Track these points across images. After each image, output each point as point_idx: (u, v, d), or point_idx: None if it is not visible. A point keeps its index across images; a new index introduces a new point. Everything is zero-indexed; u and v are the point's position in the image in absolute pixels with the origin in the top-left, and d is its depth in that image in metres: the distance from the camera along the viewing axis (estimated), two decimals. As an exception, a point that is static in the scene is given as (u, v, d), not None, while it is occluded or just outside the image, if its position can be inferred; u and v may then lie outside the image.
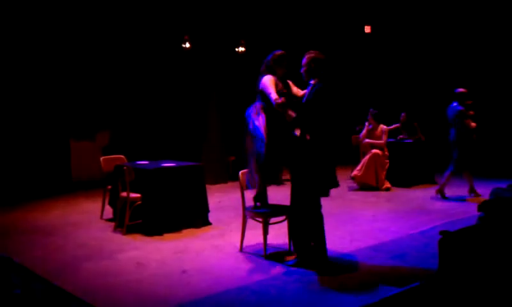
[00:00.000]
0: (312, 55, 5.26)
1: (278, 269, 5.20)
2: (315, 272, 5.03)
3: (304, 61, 5.29)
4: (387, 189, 9.78)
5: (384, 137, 10.07)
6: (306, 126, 5.10)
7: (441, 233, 3.92)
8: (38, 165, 10.13)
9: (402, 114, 10.93)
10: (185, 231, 6.80)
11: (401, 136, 10.85)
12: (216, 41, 11.05)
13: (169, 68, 11.81)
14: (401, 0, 12.52)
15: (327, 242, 5.29)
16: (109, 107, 11.18)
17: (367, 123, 10.30)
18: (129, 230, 6.71)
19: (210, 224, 7.17)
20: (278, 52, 5.45)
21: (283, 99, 5.02)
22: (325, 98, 5.12)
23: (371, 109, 10.30)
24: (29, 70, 10.01)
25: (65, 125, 10.60)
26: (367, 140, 10.15)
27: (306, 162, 5.11)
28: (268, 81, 5.27)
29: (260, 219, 5.66)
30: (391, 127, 10.75)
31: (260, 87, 5.33)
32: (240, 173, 5.80)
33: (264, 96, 5.28)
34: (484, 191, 8.36)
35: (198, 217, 7.10)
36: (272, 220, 5.77)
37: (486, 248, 3.84)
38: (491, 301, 3.57)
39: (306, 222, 5.19)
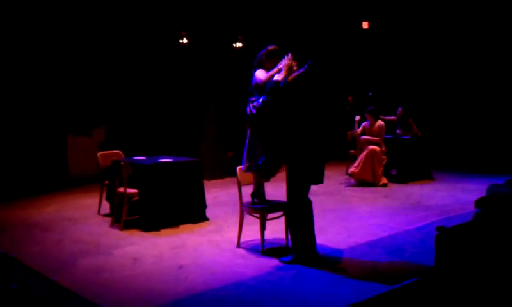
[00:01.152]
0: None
1: (275, 265, 5.21)
2: (312, 268, 5.04)
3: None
4: (384, 185, 9.77)
5: (382, 133, 10.05)
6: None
7: (438, 229, 3.93)
8: (35, 160, 10.10)
9: (399, 109, 10.90)
10: (182, 227, 6.80)
11: (398, 132, 10.83)
12: (214, 37, 11.03)
13: (167, 63, 11.78)
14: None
15: (324, 237, 5.29)
16: (106, 102, 11.15)
17: (357, 118, 10.20)
18: (126, 225, 6.70)
19: (207, 219, 7.17)
20: (271, 47, 5.57)
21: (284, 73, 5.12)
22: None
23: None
24: (25, 66, 9.97)
25: (62, 120, 10.57)
26: (364, 136, 10.12)
27: (289, 154, 5.21)
28: (260, 73, 5.42)
29: (258, 215, 5.67)
30: (386, 118, 10.71)
31: (254, 82, 5.45)
32: (237, 168, 5.80)
33: (259, 89, 5.37)
34: (481, 187, 8.38)
35: (195, 213, 7.09)
36: (270, 216, 5.77)
37: (483, 244, 3.86)
38: (488, 297, 3.58)
39: (295, 215, 5.21)
